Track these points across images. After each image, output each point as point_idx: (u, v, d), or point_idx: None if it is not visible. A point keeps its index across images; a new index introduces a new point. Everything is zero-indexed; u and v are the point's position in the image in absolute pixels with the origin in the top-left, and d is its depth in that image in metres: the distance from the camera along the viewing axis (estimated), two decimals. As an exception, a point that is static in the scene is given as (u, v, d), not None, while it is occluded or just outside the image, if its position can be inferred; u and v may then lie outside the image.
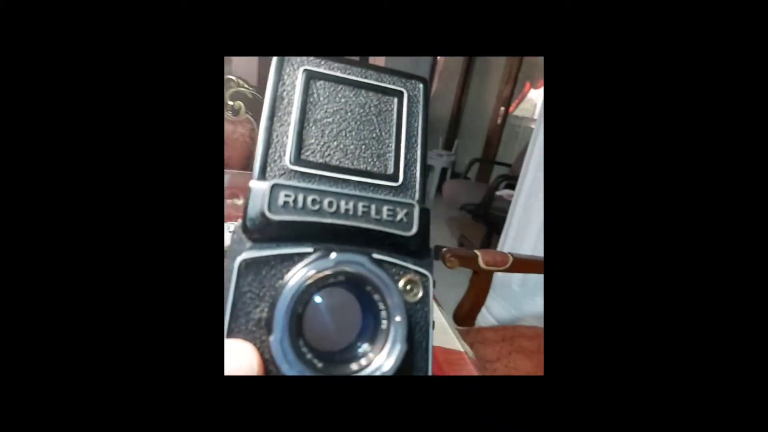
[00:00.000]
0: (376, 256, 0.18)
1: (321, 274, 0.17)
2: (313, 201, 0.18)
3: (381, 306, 0.18)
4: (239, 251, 0.17)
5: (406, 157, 0.20)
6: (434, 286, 0.20)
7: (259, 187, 0.18)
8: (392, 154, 0.20)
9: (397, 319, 0.18)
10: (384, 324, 0.18)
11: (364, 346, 0.18)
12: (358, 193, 0.19)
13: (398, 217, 0.19)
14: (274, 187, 0.18)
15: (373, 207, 0.19)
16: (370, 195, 0.19)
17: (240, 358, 0.16)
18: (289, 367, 0.16)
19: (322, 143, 0.19)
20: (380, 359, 0.17)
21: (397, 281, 0.19)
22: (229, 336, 0.17)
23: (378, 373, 0.17)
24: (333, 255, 0.17)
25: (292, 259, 0.18)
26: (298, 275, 0.17)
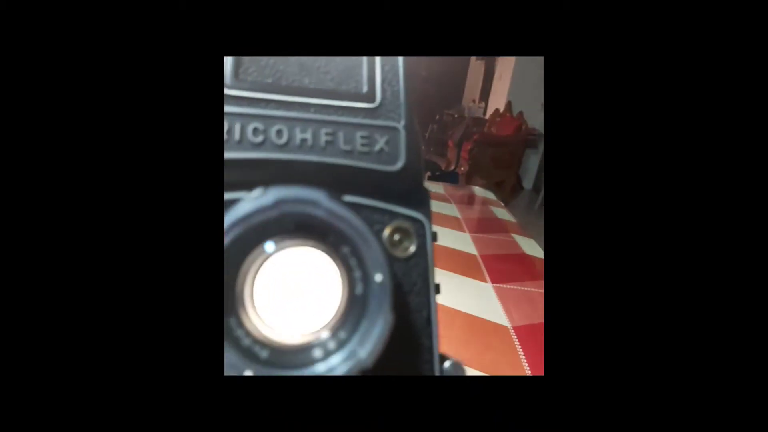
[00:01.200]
0: (348, 199, 0.14)
1: (255, 221, 0.12)
2: (255, 130, 0.14)
3: (352, 261, 0.13)
4: None
5: (383, 70, 0.15)
6: (435, 238, 0.15)
7: None
8: (365, 66, 0.15)
9: (378, 279, 0.13)
10: (359, 288, 0.13)
11: (332, 323, 0.13)
12: (319, 117, 0.14)
13: (377, 146, 0.14)
14: None
15: (340, 134, 0.14)
16: (337, 119, 0.14)
17: None
18: None
19: (266, 58, 0.15)
20: (355, 340, 0.13)
21: (379, 232, 0.14)
22: None
23: (352, 361, 0.12)
24: (268, 192, 0.12)
25: (229, 209, 0.13)
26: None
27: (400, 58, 0.16)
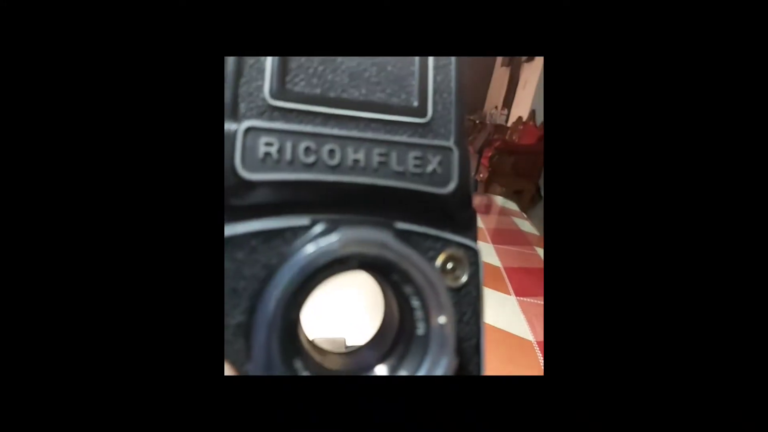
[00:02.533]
0: (400, 226, 0.13)
1: (321, 262, 0.12)
2: (307, 150, 0.13)
3: (415, 302, 0.13)
4: None
5: (435, 82, 0.15)
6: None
7: (227, 130, 0.13)
8: (416, 78, 0.14)
9: (441, 320, 0.13)
10: (421, 329, 0.13)
11: (392, 362, 0.13)
12: (371, 135, 0.14)
13: (429, 167, 0.14)
14: (248, 131, 0.13)
15: (393, 155, 0.14)
16: (389, 137, 0.14)
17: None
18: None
19: (315, 65, 0.14)
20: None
21: (432, 259, 0.14)
22: None
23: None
24: (336, 234, 0.12)
25: (282, 237, 0.13)
26: (289, 267, 0.12)
27: (453, 67, 0.15)
